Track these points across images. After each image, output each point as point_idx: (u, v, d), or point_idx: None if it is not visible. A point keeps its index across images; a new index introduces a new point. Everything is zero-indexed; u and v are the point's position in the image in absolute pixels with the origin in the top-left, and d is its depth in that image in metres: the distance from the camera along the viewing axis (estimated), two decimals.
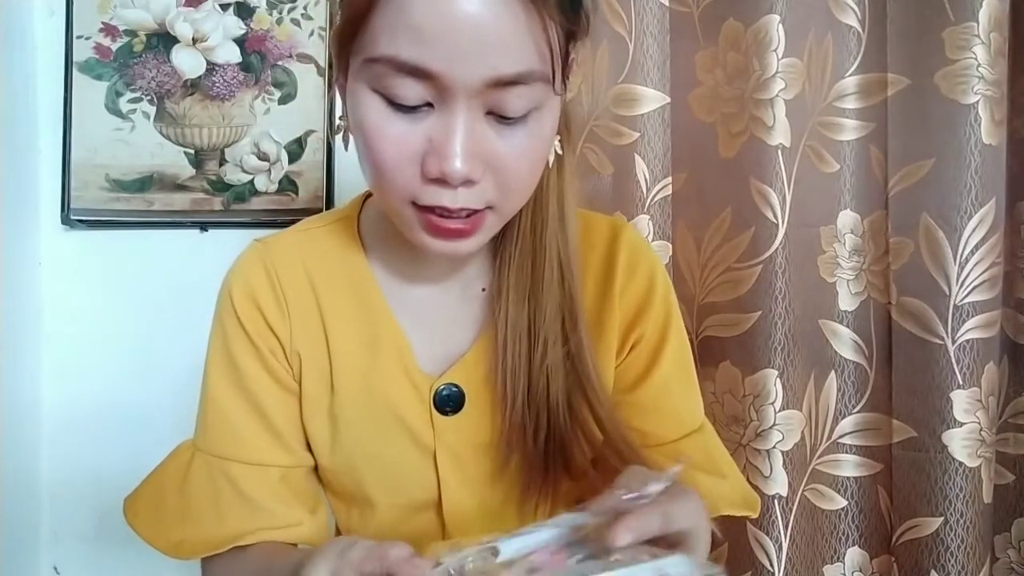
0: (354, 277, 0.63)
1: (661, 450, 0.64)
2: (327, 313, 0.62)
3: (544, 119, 0.51)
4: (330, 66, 1.04)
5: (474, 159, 0.48)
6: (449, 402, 0.62)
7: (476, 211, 0.51)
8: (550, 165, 0.57)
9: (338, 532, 0.72)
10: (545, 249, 0.59)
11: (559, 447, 0.60)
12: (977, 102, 0.86)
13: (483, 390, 0.62)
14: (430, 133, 0.48)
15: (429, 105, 0.48)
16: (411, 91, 0.47)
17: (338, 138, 0.57)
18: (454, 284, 0.64)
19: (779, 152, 0.91)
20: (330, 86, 1.04)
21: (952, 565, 0.90)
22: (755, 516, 0.66)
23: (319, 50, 1.04)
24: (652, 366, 0.65)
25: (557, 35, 0.48)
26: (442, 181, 0.49)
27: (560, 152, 0.58)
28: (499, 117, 0.49)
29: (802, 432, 0.96)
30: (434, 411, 0.62)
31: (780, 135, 0.91)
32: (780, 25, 0.90)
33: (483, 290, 0.64)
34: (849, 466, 0.97)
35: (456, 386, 0.62)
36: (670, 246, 0.97)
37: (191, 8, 1.02)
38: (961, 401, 0.89)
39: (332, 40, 0.53)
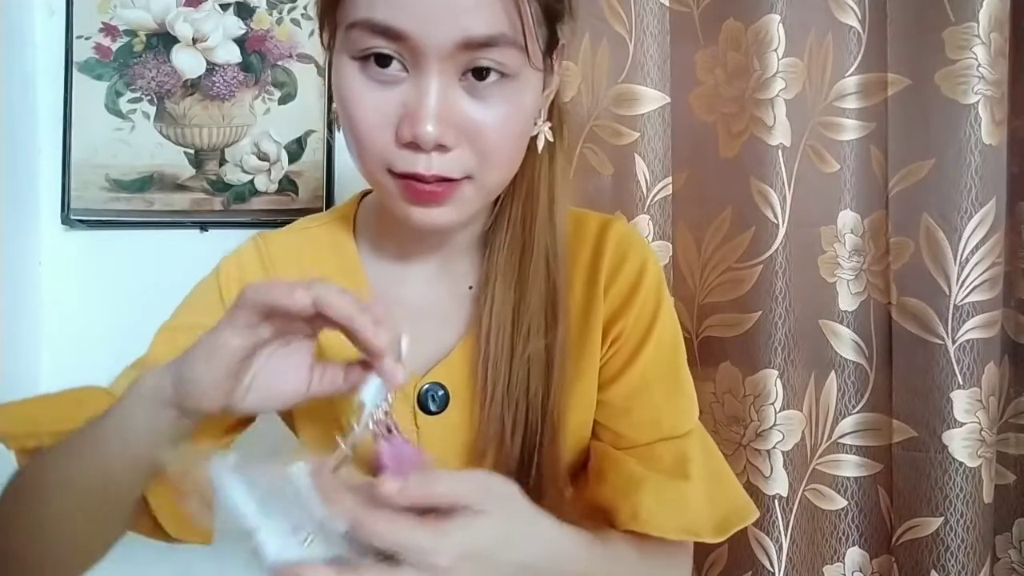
0: (347, 275, 0.64)
1: (633, 452, 0.62)
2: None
3: (521, 91, 0.51)
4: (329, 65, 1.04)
5: (446, 124, 0.49)
6: (433, 401, 0.61)
7: (451, 180, 0.51)
8: (539, 150, 0.57)
9: None
10: (534, 240, 0.59)
11: (534, 443, 0.59)
12: (977, 102, 0.85)
13: (467, 388, 0.61)
14: (404, 98, 0.49)
15: (405, 72, 0.49)
16: (386, 54, 0.48)
17: (339, 136, 0.58)
18: (443, 282, 0.64)
19: (779, 152, 0.91)
20: (330, 86, 1.04)
21: (952, 565, 0.89)
22: (720, 540, 0.60)
23: (319, 50, 1.04)
24: (629, 364, 0.62)
25: (530, 5, 0.49)
26: (415, 146, 0.49)
27: (551, 139, 0.58)
28: (473, 84, 0.49)
29: (802, 432, 0.96)
30: (418, 410, 0.61)
31: (780, 135, 0.91)
32: (780, 25, 0.89)
33: (470, 288, 0.64)
34: (849, 466, 0.97)
35: (441, 385, 0.61)
36: (670, 246, 0.97)
37: (191, 8, 1.02)
38: (961, 401, 0.89)
39: (317, 14, 0.55)
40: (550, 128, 0.58)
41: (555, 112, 0.60)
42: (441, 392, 0.62)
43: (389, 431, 0.50)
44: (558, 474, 0.61)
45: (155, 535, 0.59)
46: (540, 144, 0.57)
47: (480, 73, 0.49)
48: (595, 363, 0.63)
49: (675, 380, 0.65)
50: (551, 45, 0.54)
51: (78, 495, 0.51)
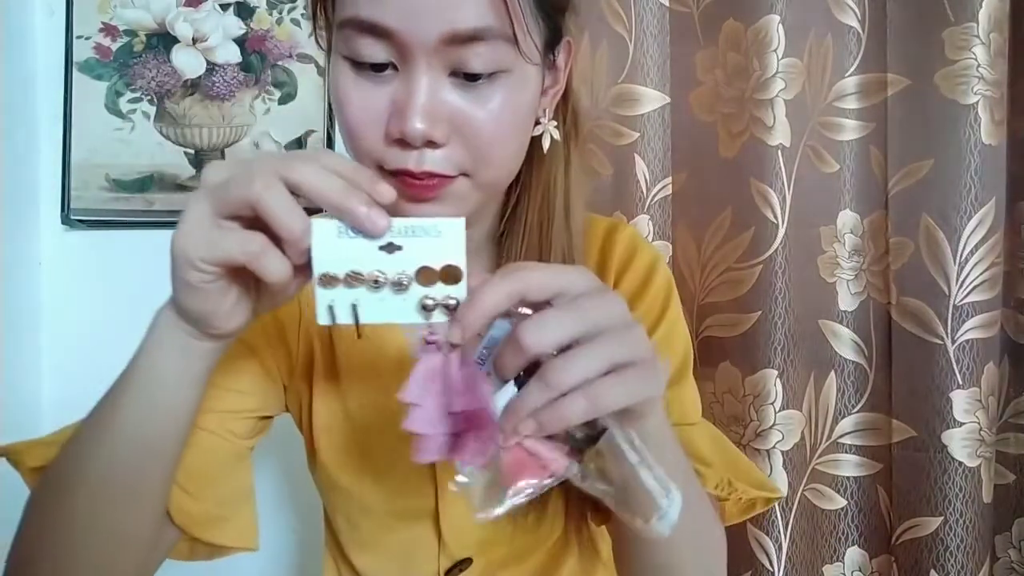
0: None
1: None
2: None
3: (515, 87, 0.50)
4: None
5: (435, 119, 0.48)
6: None
7: (444, 176, 0.50)
8: (544, 149, 0.56)
9: (328, 539, 0.71)
10: (550, 245, 0.59)
11: None
12: (977, 102, 0.86)
13: None
14: (393, 95, 0.48)
15: (394, 68, 0.48)
16: (374, 52, 0.48)
17: (339, 136, 0.57)
18: None
19: (779, 152, 0.91)
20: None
21: (951, 565, 0.90)
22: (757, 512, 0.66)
23: (319, 50, 1.04)
24: None
25: None
26: (405, 143, 0.48)
27: (557, 138, 0.57)
28: (464, 79, 0.48)
29: (802, 432, 0.96)
30: None
31: (780, 135, 0.91)
32: (780, 25, 0.90)
33: None
34: (849, 466, 0.97)
35: None
36: (670, 246, 0.97)
37: (191, 8, 1.02)
38: (961, 401, 0.89)
39: (309, 14, 0.55)
40: (556, 127, 0.57)
41: (568, 113, 0.59)
42: None
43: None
44: None
45: (195, 555, 0.58)
46: (546, 144, 0.56)
47: (471, 75, 0.48)
48: None
49: (683, 376, 0.67)
50: (552, 40, 0.53)
51: (112, 465, 0.48)
